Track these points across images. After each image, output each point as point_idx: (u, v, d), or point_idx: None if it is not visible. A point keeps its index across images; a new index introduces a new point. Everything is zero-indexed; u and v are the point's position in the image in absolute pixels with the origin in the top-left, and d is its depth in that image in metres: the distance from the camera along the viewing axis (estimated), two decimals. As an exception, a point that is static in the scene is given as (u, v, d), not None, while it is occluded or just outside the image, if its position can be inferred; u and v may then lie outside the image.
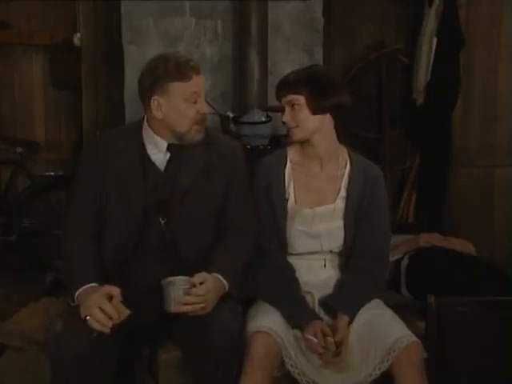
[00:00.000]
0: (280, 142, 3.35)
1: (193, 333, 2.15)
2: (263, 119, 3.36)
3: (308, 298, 2.39)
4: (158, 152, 2.31)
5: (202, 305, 2.10)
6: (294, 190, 2.44)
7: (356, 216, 2.43)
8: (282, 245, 2.43)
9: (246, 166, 2.44)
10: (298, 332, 2.29)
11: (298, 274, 2.41)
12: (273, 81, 3.57)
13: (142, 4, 3.58)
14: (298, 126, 2.37)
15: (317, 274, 2.44)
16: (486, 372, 2.52)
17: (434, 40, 4.02)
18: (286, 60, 3.72)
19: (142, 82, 2.28)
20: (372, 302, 2.41)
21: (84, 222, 2.28)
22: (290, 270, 2.41)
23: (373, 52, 4.29)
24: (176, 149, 2.30)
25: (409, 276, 3.01)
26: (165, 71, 2.20)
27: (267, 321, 2.26)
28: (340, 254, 2.45)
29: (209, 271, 2.18)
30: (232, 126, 3.37)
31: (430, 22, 4.02)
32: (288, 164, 2.46)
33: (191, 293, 2.10)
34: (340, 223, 2.42)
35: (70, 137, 4.53)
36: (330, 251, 2.45)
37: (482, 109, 4.39)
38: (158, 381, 2.41)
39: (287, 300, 2.33)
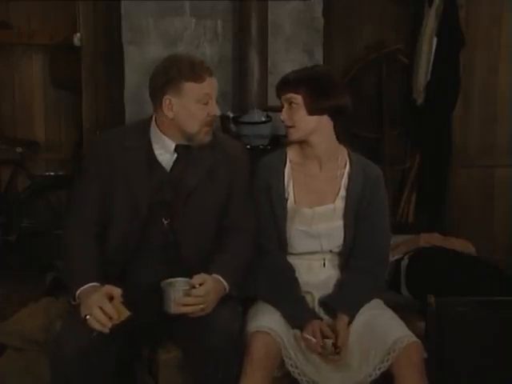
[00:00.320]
0: (280, 142, 3.35)
1: (193, 333, 2.15)
2: (263, 119, 3.36)
3: (308, 297, 2.39)
4: (164, 152, 2.31)
5: (201, 306, 2.10)
6: (294, 190, 2.44)
7: (356, 216, 2.43)
8: (281, 245, 2.43)
9: (250, 166, 2.44)
10: (297, 332, 2.29)
11: (297, 274, 2.41)
12: (273, 81, 3.57)
13: (142, 4, 3.57)
14: (294, 127, 2.37)
15: (317, 273, 2.44)
16: (486, 372, 2.52)
17: (434, 40, 4.02)
18: (286, 60, 3.72)
19: (154, 80, 2.27)
20: (372, 301, 2.41)
21: (86, 221, 2.28)
22: (290, 269, 2.41)
23: (373, 52, 4.28)
24: (183, 150, 2.30)
25: (409, 276, 3.01)
26: (179, 71, 2.20)
27: (267, 321, 2.26)
28: (340, 253, 2.45)
29: (209, 272, 2.18)
30: (232, 126, 3.37)
31: (430, 22, 4.02)
32: (287, 164, 2.46)
33: (191, 294, 2.10)
34: (340, 223, 2.42)
35: (70, 137, 4.53)
36: (330, 251, 2.45)
37: (482, 109, 4.39)
38: (157, 381, 2.41)
39: (287, 300, 2.33)
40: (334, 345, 2.24)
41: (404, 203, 4.34)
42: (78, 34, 4.04)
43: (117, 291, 2.06)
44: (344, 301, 2.34)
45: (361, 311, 2.35)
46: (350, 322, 2.31)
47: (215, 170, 2.33)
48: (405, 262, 3.05)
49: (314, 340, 2.22)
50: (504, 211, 4.40)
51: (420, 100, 4.11)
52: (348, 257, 2.44)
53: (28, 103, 4.53)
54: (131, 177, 2.27)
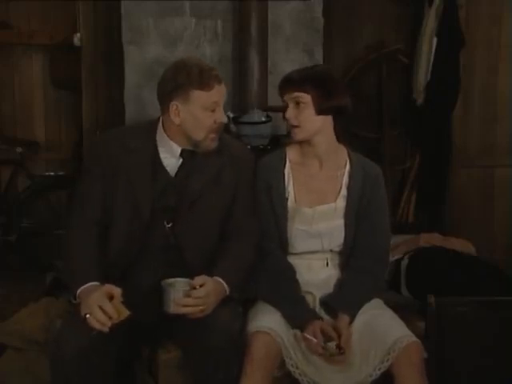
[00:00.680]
0: (280, 141, 3.35)
1: (193, 333, 2.15)
2: (263, 119, 3.37)
3: (309, 297, 2.39)
4: (170, 157, 2.30)
5: (201, 307, 2.10)
6: (294, 190, 2.43)
7: (356, 215, 2.43)
8: (282, 244, 2.43)
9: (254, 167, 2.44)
10: (298, 332, 2.29)
11: (298, 274, 2.41)
12: (273, 81, 3.58)
13: (142, 4, 3.58)
14: (299, 126, 2.36)
15: (318, 273, 2.44)
16: (486, 372, 2.52)
17: (434, 40, 4.02)
18: (286, 60, 3.72)
19: (162, 85, 2.25)
20: (372, 301, 2.41)
21: (88, 221, 2.27)
22: (291, 270, 2.40)
23: (373, 52, 4.29)
24: (189, 155, 2.29)
25: (409, 276, 3.01)
26: (188, 78, 2.18)
27: (267, 321, 2.26)
28: (340, 252, 2.45)
29: (210, 274, 2.18)
30: (232, 126, 3.37)
31: (430, 22, 4.02)
32: (287, 164, 2.46)
33: (191, 295, 2.10)
34: (341, 222, 2.42)
35: (70, 137, 4.54)
36: (331, 250, 2.45)
37: (482, 109, 4.39)
38: (157, 381, 2.41)
39: (287, 300, 2.33)
40: (338, 346, 2.24)
41: (404, 203, 4.34)
42: (78, 34, 4.04)
43: (117, 291, 2.06)
44: (344, 301, 2.34)
45: (361, 311, 2.35)
46: (350, 322, 2.31)
47: (221, 174, 2.32)
48: (405, 262, 3.05)
49: (314, 340, 2.22)
50: (504, 211, 4.40)
51: (420, 100, 4.11)
52: (348, 256, 2.44)
53: (28, 103, 4.53)
54: (134, 178, 2.27)
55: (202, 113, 2.22)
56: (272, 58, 3.61)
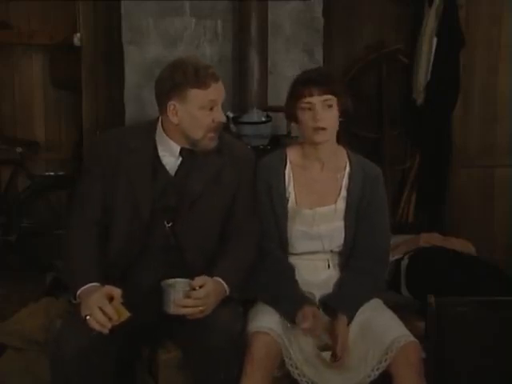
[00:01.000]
0: (280, 142, 3.35)
1: (193, 333, 2.15)
2: (263, 119, 3.36)
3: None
4: (169, 155, 2.30)
5: (200, 308, 2.10)
6: (295, 191, 2.43)
7: (356, 216, 2.43)
8: (282, 244, 2.43)
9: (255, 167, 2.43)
10: (298, 332, 2.29)
11: (299, 274, 2.40)
12: (273, 81, 3.58)
13: (142, 4, 3.57)
14: (326, 129, 2.34)
15: (318, 273, 2.44)
16: (486, 372, 2.51)
17: (434, 40, 4.02)
18: (286, 60, 3.71)
19: (159, 85, 2.25)
20: (371, 301, 2.41)
21: (88, 221, 2.27)
22: (291, 270, 2.40)
23: (373, 52, 4.29)
24: (188, 154, 2.29)
25: (409, 276, 3.01)
26: (184, 77, 2.18)
27: (268, 321, 2.26)
28: (340, 253, 2.45)
29: (211, 275, 2.18)
30: (232, 125, 3.37)
31: (430, 22, 4.02)
32: (288, 165, 2.45)
33: (191, 296, 2.10)
34: (340, 223, 2.42)
35: (70, 137, 4.54)
36: (331, 251, 2.44)
37: (482, 109, 4.39)
38: (157, 381, 2.41)
39: (287, 299, 2.32)
40: (333, 354, 2.24)
41: (404, 203, 4.34)
42: (78, 34, 4.04)
43: (117, 292, 2.06)
44: (343, 301, 2.34)
45: (360, 311, 2.35)
46: (349, 322, 2.31)
47: (221, 174, 2.32)
48: (405, 262, 3.05)
49: (306, 325, 2.20)
50: (504, 211, 4.40)
51: (420, 100, 4.11)
52: (348, 257, 2.44)
53: (28, 103, 4.53)
54: (134, 178, 2.27)
55: (199, 112, 2.21)
56: (272, 58, 3.61)
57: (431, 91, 4.06)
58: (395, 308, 2.44)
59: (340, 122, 2.41)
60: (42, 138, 4.53)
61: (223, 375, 2.15)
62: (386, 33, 4.31)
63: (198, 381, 2.22)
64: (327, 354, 2.24)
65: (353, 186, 2.43)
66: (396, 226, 3.81)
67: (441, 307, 2.49)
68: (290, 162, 2.46)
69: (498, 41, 4.32)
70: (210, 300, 2.12)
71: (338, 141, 2.47)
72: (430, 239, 3.29)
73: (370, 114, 4.34)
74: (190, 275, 2.16)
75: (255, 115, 3.37)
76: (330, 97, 2.33)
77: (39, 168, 4.34)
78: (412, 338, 2.24)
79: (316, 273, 2.44)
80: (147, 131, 2.33)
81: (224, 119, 2.29)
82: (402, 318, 2.37)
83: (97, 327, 2.01)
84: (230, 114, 3.37)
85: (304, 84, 2.35)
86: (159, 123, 2.31)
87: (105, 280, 2.13)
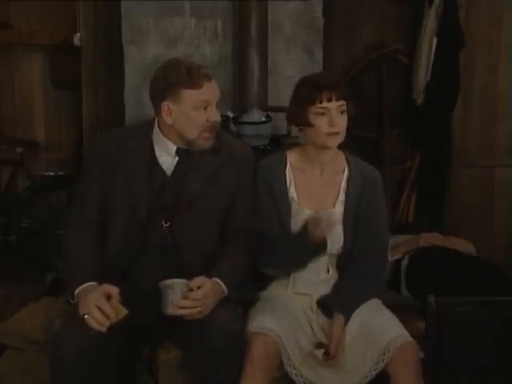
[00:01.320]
0: (280, 142, 3.35)
1: (193, 333, 2.15)
2: (263, 119, 3.36)
3: (307, 298, 2.40)
4: (165, 155, 2.30)
5: (198, 309, 2.10)
6: (297, 192, 2.43)
7: (355, 219, 2.42)
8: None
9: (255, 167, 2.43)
10: (297, 332, 2.29)
11: (298, 274, 2.41)
12: (273, 81, 3.58)
13: (142, 4, 3.58)
14: (339, 133, 2.35)
15: (318, 275, 2.44)
16: (486, 372, 2.51)
17: (434, 40, 4.02)
18: (286, 60, 3.72)
19: (153, 86, 2.26)
20: (370, 301, 2.41)
21: (86, 221, 2.28)
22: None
23: (373, 52, 4.28)
24: (185, 153, 2.29)
25: (409, 276, 3.01)
26: (177, 78, 2.18)
27: (267, 321, 2.26)
28: (339, 255, 2.45)
29: (209, 275, 2.18)
30: (232, 126, 3.37)
31: (430, 22, 4.02)
32: (288, 167, 2.45)
33: (189, 297, 2.10)
34: (339, 227, 2.41)
35: (70, 137, 4.53)
36: (330, 253, 2.44)
37: (482, 109, 4.39)
38: (157, 381, 2.41)
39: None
40: (326, 353, 2.24)
41: (404, 203, 4.34)
42: (78, 34, 4.04)
43: (114, 290, 2.06)
44: (340, 301, 2.34)
45: (358, 311, 2.35)
46: (345, 323, 2.31)
47: (219, 173, 2.31)
48: (405, 262, 3.05)
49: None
50: (504, 211, 4.40)
51: (420, 100, 4.10)
52: (347, 259, 2.44)
53: (28, 103, 4.53)
54: (130, 178, 2.27)
55: (193, 112, 2.21)
56: (272, 58, 3.61)
57: (431, 91, 4.06)
58: (395, 308, 2.44)
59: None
60: (42, 138, 4.53)
61: (223, 375, 2.15)
62: (386, 33, 4.30)
63: (198, 381, 2.22)
64: (320, 352, 2.25)
65: (351, 189, 2.43)
66: (396, 226, 3.82)
67: (441, 307, 2.49)
68: (290, 165, 2.46)
69: (498, 41, 4.32)
70: (208, 301, 2.12)
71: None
72: (430, 239, 3.29)
73: (370, 114, 4.33)
74: (188, 275, 2.16)
75: (255, 115, 3.37)
76: (344, 102, 2.33)
77: (39, 168, 4.34)
78: (410, 338, 2.24)
79: (315, 275, 2.43)
80: (145, 131, 2.33)
81: (219, 118, 2.28)
82: (401, 318, 2.37)
83: (95, 326, 2.01)
84: (230, 114, 3.37)
85: (317, 89, 2.32)
86: (156, 123, 2.32)
87: (103, 280, 2.13)
